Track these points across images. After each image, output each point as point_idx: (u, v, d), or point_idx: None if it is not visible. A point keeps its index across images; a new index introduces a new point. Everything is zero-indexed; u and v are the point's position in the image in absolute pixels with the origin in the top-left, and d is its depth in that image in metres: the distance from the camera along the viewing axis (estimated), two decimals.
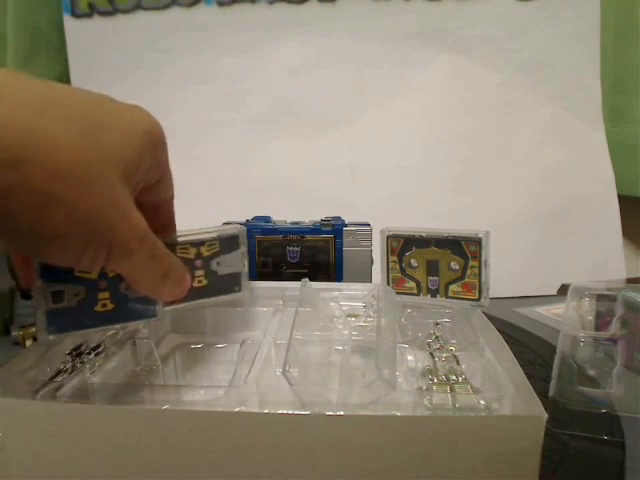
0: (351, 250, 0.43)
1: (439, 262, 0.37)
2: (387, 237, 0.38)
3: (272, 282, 0.40)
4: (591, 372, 0.32)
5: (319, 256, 0.43)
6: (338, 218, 0.45)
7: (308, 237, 0.43)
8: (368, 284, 0.40)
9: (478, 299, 0.35)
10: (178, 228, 0.32)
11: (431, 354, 0.30)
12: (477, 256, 0.35)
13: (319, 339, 0.32)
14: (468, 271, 0.35)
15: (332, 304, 0.36)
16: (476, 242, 0.35)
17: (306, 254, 0.43)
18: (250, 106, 0.67)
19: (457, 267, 0.36)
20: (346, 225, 0.43)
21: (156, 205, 0.30)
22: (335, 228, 0.43)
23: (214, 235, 0.32)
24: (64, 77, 0.67)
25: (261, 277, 0.43)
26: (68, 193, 0.22)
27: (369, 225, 0.43)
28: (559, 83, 0.66)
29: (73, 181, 0.22)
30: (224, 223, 0.44)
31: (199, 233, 0.32)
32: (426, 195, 0.65)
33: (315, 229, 0.43)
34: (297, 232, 0.43)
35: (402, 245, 0.37)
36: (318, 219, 0.44)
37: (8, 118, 0.21)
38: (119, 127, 0.24)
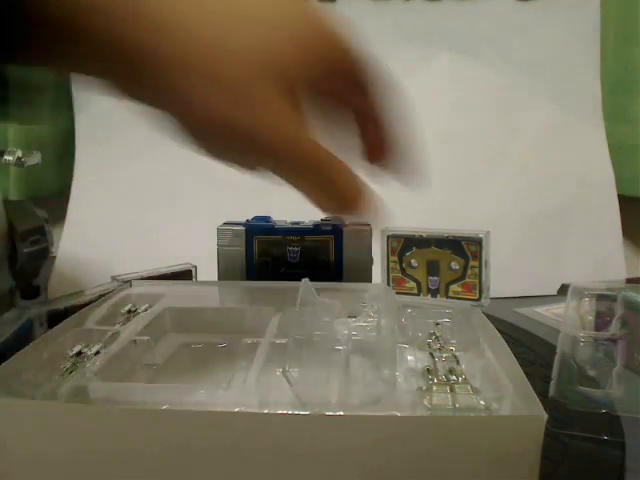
0: (351, 250, 0.43)
1: (439, 262, 0.37)
2: (387, 237, 0.38)
3: (272, 282, 0.40)
4: (591, 372, 0.32)
5: (319, 256, 0.43)
6: (338, 218, 0.45)
7: (308, 237, 0.43)
8: (368, 284, 0.40)
9: (478, 299, 0.35)
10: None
11: (431, 354, 0.30)
12: (477, 256, 0.35)
13: (319, 339, 0.32)
14: (468, 271, 0.35)
15: (332, 304, 0.36)
16: (476, 242, 0.35)
17: (306, 254, 0.43)
18: None
19: (457, 267, 0.36)
20: (346, 225, 0.43)
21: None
22: (335, 228, 0.43)
23: None
24: (64, 77, 0.67)
25: (261, 277, 0.43)
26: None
27: (369, 225, 0.43)
28: (559, 83, 0.66)
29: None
30: (224, 223, 0.44)
31: None
32: (426, 195, 0.65)
33: (315, 229, 0.43)
34: (297, 232, 0.43)
35: (402, 245, 0.37)
36: (318, 219, 0.44)
37: None
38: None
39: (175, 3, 0.23)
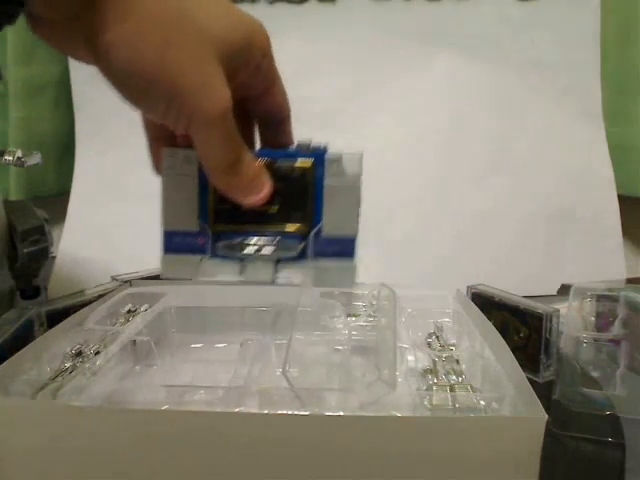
0: (334, 185, 0.30)
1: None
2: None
3: (272, 282, 0.40)
4: (594, 373, 0.32)
5: (293, 190, 0.30)
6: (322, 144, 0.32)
7: (280, 163, 0.30)
8: (368, 284, 0.39)
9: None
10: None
11: (431, 354, 0.30)
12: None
13: (319, 339, 0.32)
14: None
15: (332, 304, 0.36)
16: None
17: (277, 187, 0.30)
18: None
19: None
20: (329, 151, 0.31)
21: (270, 121, 0.32)
22: (315, 152, 0.31)
23: None
24: (64, 77, 0.67)
25: (217, 216, 0.31)
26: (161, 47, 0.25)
27: (360, 152, 0.31)
28: (559, 83, 0.66)
29: (170, 37, 0.25)
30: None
31: None
32: (426, 195, 0.65)
33: (289, 152, 0.31)
34: (265, 155, 0.30)
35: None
36: None
37: None
38: (222, 18, 0.27)
39: None
